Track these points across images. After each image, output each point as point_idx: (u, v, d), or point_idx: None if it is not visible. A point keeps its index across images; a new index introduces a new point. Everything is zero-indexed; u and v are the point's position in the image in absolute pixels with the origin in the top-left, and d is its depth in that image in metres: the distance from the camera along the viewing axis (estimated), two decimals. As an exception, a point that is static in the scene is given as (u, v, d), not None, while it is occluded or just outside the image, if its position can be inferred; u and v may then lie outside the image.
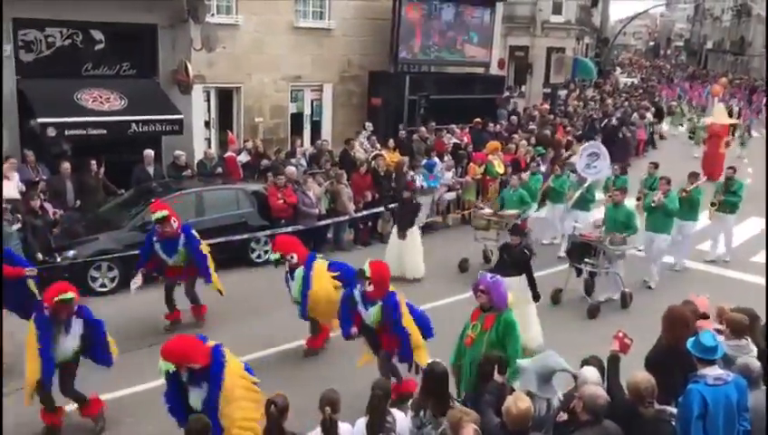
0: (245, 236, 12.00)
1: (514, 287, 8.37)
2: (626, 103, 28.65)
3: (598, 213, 12.37)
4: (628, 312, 10.56)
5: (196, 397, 5.83)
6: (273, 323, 9.58)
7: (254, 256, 12.28)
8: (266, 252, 12.38)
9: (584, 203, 12.81)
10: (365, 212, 13.54)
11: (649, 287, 11.58)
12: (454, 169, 15.24)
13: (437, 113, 18.47)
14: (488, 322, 6.40)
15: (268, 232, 12.22)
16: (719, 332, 6.05)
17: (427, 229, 13.85)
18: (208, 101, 16.85)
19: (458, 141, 17.19)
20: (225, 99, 17.23)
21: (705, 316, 6.47)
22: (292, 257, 8.53)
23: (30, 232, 10.08)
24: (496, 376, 5.65)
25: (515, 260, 9.02)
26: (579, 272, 10.71)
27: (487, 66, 22.25)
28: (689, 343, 5.28)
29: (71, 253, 10.43)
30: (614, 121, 22.81)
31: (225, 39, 15.47)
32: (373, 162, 14.32)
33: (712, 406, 4.95)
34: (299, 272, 8.49)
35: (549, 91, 29.19)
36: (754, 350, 5.84)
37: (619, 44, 73.56)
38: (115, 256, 10.65)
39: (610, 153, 20.53)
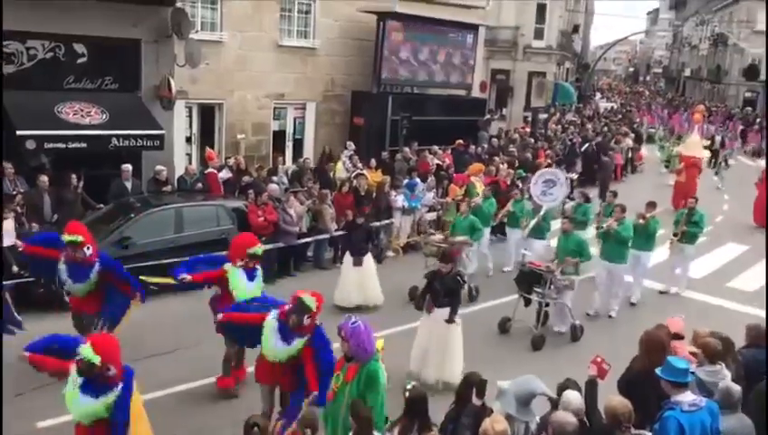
0: (225, 253, 11.90)
1: (441, 319, 8.44)
2: (605, 128, 29.02)
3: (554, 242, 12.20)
4: (578, 343, 10.33)
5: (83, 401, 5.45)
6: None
7: (233, 273, 12.18)
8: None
9: (540, 231, 12.60)
10: (345, 231, 13.51)
11: (610, 316, 11.41)
12: (435, 190, 15.32)
13: (420, 134, 18.59)
14: (350, 373, 5.78)
15: (263, 247, 12.14)
16: (693, 355, 6.12)
17: (410, 249, 13.94)
18: (190, 116, 16.81)
19: (440, 162, 17.29)
20: (208, 115, 17.20)
21: (678, 336, 6.53)
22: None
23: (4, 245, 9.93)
24: (474, 399, 5.65)
25: (449, 288, 8.54)
26: (527, 302, 10.45)
27: (469, 89, 22.45)
28: (659, 369, 5.31)
29: (46, 267, 10.27)
30: (594, 146, 23.10)
31: (209, 55, 15.49)
32: (355, 181, 14.35)
33: (689, 432, 4.99)
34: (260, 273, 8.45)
35: (530, 115, 29.51)
36: (728, 375, 5.90)
37: (600, 70, 74.75)
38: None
39: (591, 178, 21.06)
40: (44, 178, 11.70)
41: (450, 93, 21.77)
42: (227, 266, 8.28)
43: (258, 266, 8.48)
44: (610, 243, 11.18)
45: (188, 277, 8.12)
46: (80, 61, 13.37)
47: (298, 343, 6.47)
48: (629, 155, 26.34)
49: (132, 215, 11.40)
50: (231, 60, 16.92)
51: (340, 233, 12.89)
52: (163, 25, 13.97)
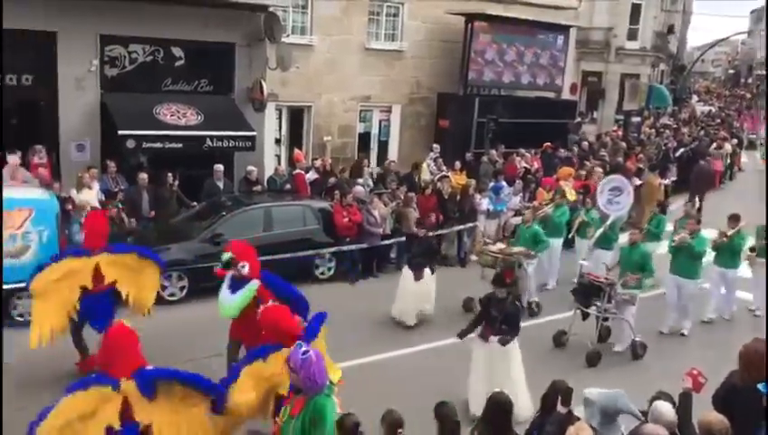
0: (310, 252, 12.14)
1: (501, 348, 7.73)
2: (701, 133, 27.75)
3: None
4: (639, 362, 9.68)
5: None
6: (331, 340, 9.59)
7: (318, 272, 12.41)
8: (330, 269, 12.53)
9: (606, 241, 11.93)
10: (430, 234, 13.47)
11: (682, 334, 10.69)
12: (521, 194, 15.07)
13: (506, 137, 18.34)
14: (297, 406, 5.22)
15: (333, 249, 12.35)
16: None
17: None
18: (280, 118, 17.23)
19: (528, 166, 17.00)
20: (296, 117, 17.58)
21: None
22: (243, 266, 7.58)
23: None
24: (559, 407, 5.51)
25: (508, 314, 7.82)
26: (585, 316, 9.84)
27: (559, 91, 21.99)
28: (762, 385, 5.02)
29: (143, 261, 10.75)
30: (689, 151, 22.12)
31: (298, 59, 15.81)
32: (438, 184, 14.31)
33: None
34: (251, 286, 7.55)
35: (622, 118, 28.60)
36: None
37: (697, 72, 71.57)
38: (186, 267, 10.93)
39: (686, 185, 20.12)
40: (144, 176, 12.25)
41: (539, 95, 21.38)
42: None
43: (253, 281, 7.61)
44: (681, 257, 10.50)
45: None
46: (177, 64, 13.96)
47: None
48: (729, 161, 25.08)
49: (224, 213, 11.77)
50: (320, 63, 17.23)
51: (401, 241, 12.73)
52: (256, 29, 14.40)
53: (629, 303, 9.68)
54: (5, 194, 10.10)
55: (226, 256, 7.70)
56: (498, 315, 7.78)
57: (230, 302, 7.55)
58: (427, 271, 10.69)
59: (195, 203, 12.81)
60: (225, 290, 7.64)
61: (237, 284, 7.55)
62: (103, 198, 11.57)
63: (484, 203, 14.04)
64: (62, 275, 7.91)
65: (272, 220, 12.00)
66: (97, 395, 5.45)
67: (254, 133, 13.76)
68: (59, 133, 12.93)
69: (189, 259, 10.99)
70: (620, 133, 24.70)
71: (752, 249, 11.61)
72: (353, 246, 12.42)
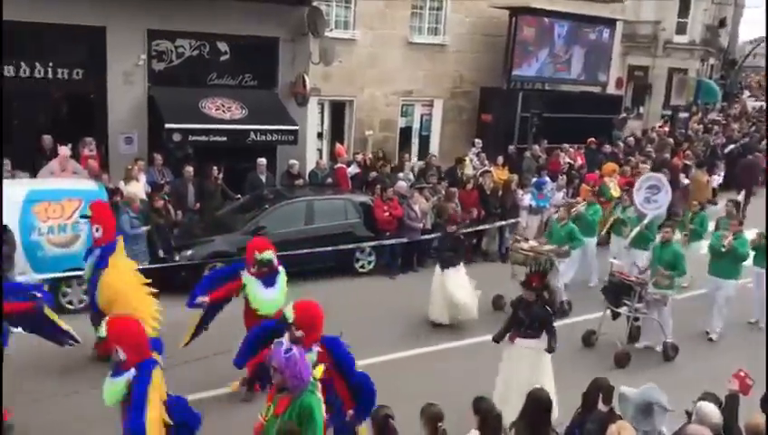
0: (351, 245, 12.21)
1: (533, 347, 7.60)
2: (752, 129, 26.96)
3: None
4: (671, 364, 9.46)
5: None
6: (368, 334, 9.62)
7: (358, 265, 12.48)
8: (370, 262, 12.59)
9: (643, 241, 11.44)
10: (470, 229, 13.44)
11: (710, 339, 10.38)
12: (565, 190, 14.89)
13: (550, 132, 18.11)
14: (281, 405, 5.09)
15: (373, 243, 12.39)
16: None
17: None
18: (322, 113, 17.33)
19: (571, 161, 16.77)
20: (338, 111, 17.66)
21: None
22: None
23: (154, 231, 10.71)
24: (600, 405, 5.45)
25: (537, 318, 7.63)
26: (615, 315, 9.67)
27: (604, 86, 21.63)
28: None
29: (188, 253, 10.99)
30: (739, 148, 21.52)
31: (341, 53, 15.87)
32: (480, 179, 14.23)
33: None
34: (281, 276, 7.81)
35: (669, 114, 27.99)
36: None
37: (749, 66, 69.59)
38: (229, 258, 11.08)
39: (734, 180, 19.58)
40: (190, 169, 12.46)
41: (583, 90, 21.07)
42: (244, 276, 7.76)
43: (280, 269, 7.85)
44: (721, 258, 10.22)
45: (206, 299, 7.69)
46: (222, 58, 14.15)
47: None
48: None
49: (267, 206, 11.91)
50: (362, 57, 17.27)
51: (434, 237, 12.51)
52: (300, 24, 14.50)
53: (661, 303, 9.47)
54: (56, 185, 10.45)
55: (268, 255, 7.69)
56: (525, 319, 7.65)
57: (270, 297, 7.63)
58: (458, 268, 10.44)
59: (238, 196, 12.98)
60: (259, 287, 7.65)
61: (269, 279, 7.66)
62: (150, 190, 11.81)
63: (526, 199, 13.91)
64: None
65: (313, 214, 12.10)
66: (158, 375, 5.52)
67: (296, 127, 13.88)
68: (108, 126, 13.24)
69: (232, 251, 11.15)
70: (667, 129, 24.16)
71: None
72: (393, 241, 12.44)
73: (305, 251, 11.41)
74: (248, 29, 13.95)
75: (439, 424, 4.91)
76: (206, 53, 14.01)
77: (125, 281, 8.02)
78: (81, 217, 8.87)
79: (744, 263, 10.38)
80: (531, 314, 7.60)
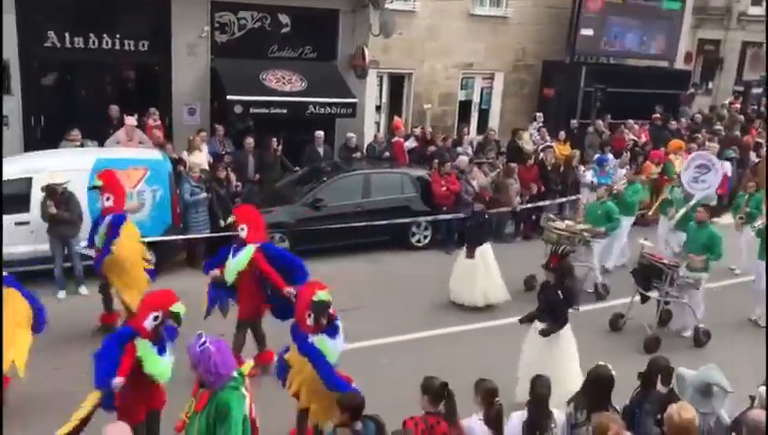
0: (407, 220, 12.20)
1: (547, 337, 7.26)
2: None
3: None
4: (699, 351, 8.94)
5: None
6: (421, 309, 9.73)
7: (413, 239, 12.46)
8: (426, 237, 12.56)
9: (688, 223, 10.64)
10: (529, 205, 13.25)
11: (758, 324, 9.83)
12: (628, 167, 14.48)
13: (614, 107, 17.61)
14: (201, 401, 4.84)
15: (429, 218, 12.35)
16: None
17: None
18: (381, 85, 17.26)
19: (636, 138, 16.29)
20: (397, 84, 17.56)
21: None
22: (243, 229, 7.35)
23: (215, 200, 10.93)
24: (659, 386, 5.35)
25: (549, 302, 7.31)
26: (644, 299, 9.26)
27: (672, 60, 20.86)
28: None
29: (248, 223, 11.16)
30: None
31: (401, 25, 15.72)
32: (541, 154, 13.96)
33: None
34: (246, 250, 7.30)
35: (741, 89, 26.84)
36: None
37: (829, 40, 65.79)
38: (288, 230, 11.28)
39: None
40: (250, 141, 12.62)
41: (650, 65, 20.35)
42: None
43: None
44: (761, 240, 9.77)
45: (217, 272, 7.49)
46: (283, 30, 14.22)
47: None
48: None
49: (325, 178, 12.00)
50: (422, 30, 17.06)
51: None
52: (360, -5, 14.41)
53: (693, 287, 9.07)
54: (122, 154, 10.75)
55: (231, 218, 7.68)
56: (542, 301, 7.43)
57: (228, 266, 7.37)
58: (483, 249, 10.02)
59: (297, 168, 13.09)
60: (230, 256, 7.46)
61: (238, 249, 7.37)
62: (212, 161, 12.02)
63: (587, 175, 13.58)
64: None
65: (370, 187, 12.12)
66: None
67: (355, 100, 13.87)
68: (172, 97, 13.50)
69: (291, 222, 11.30)
70: (739, 105, 23.19)
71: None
72: (450, 216, 12.37)
73: (362, 224, 11.46)
74: (309, 1, 13.94)
75: (496, 399, 4.91)
76: (268, 24, 14.09)
77: (133, 251, 8.36)
78: (90, 188, 8.75)
79: None
80: (546, 297, 7.36)
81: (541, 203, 13.37)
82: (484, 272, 9.94)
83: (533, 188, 13.26)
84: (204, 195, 10.69)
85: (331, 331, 5.98)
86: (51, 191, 9.13)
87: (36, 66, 12.71)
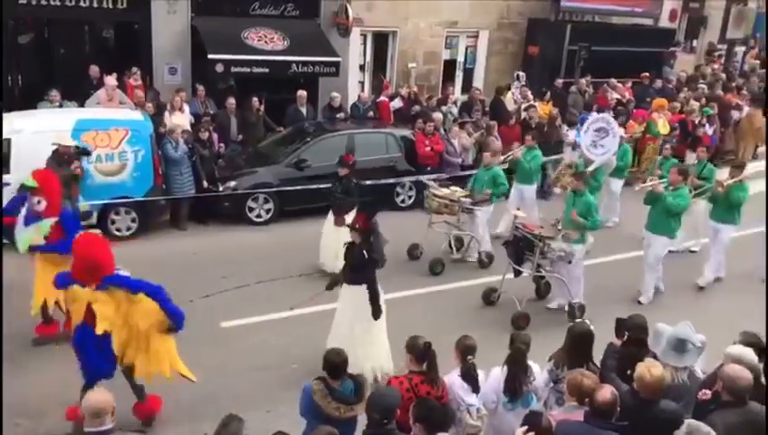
0: (392, 180, 12.21)
1: (356, 299, 6.90)
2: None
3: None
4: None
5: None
6: (402, 269, 9.66)
7: (398, 199, 12.50)
8: (410, 197, 12.59)
9: (590, 191, 9.96)
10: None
11: (701, 288, 9.81)
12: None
13: (598, 66, 17.55)
14: None
15: (413, 178, 12.38)
16: None
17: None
18: (364, 44, 17.04)
19: (620, 97, 16.31)
20: (381, 43, 17.36)
21: None
22: (40, 202, 6.98)
23: (198, 161, 10.87)
24: (614, 339, 5.48)
25: (355, 263, 6.96)
26: (516, 273, 8.66)
27: (657, 18, 20.76)
28: None
29: (232, 184, 11.16)
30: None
31: (385, -18, 15.49)
32: (524, 113, 13.96)
33: None
34: (44, 223, 7.00)
35: (724, 48, 26.81)
36: None
37: (814, -3, 65.51)
38: (272, 190, 11.25)
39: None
40: (232, 101, 12.50)
41: (635, 23, 20.27)
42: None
43: None
44: (721, 204, 9.65)
45: None
46: (265, -13, 13.96)
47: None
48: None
49: (308, 139, 11.95)
50: (407, -14, 16.81)
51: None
52: (343, -49, 14.15)
53: (564, 259, 8.42)
54: (103, 115, 10.63)
55: (30, 182, 7.08)
56: (348, 262, 7.06)
57: (20, 235, 7.03)
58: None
59: (280, 128, 13.01)
60: (20, 223, 7.08)
61: (32, 218, 7.03)
62: (193, 121, 11.92)
63: (571, 135, 13.62)
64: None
65: (354, 147, 12.07)
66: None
67: (338, 59, 13.74)
68: (152, 56, 13.29)
69: (275, 183, 11.29)
70: (720, 63, 23.24)
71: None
72: (433, 176, 12.39)
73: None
74: (291, -44, 13.70)
75: (469, 356, 5.03)
76: (249, -19, 13.84)
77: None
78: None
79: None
80: (352, 257, 7.01)
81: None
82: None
83: (516, 146, 13.26)
84: (186, 149, 10.63)
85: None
86: (70, 154, 8.98)
87: (12, 24, 12.45)
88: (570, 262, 8.47)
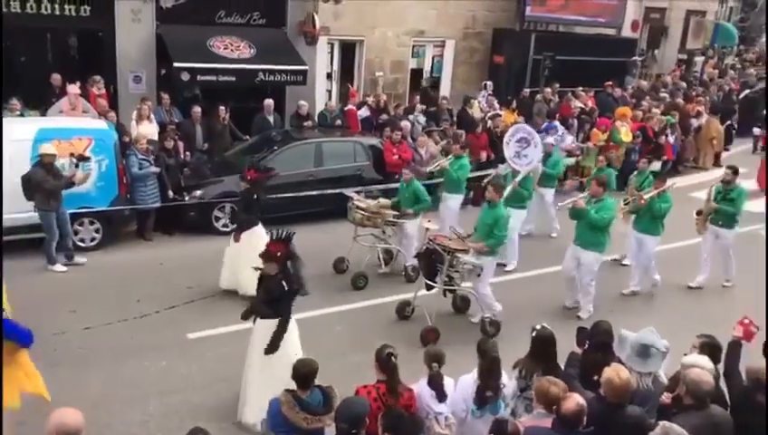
0: (359, 188, 12.18)
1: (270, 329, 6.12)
2: (770, 74, 26.39)
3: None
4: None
5: None
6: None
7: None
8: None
9: (519, 199, 10.25)
10: (478, 173, 13.38)
11: (633, 293, 9.82)
12: (576, 134, 14.77)
13: (563, 75, 17.84)
14: None
15: (381, 186, 12.38)
16: None
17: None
18: (332, 53, 17.07)
19: (583, 106, 16.58)
20: (348, 52, 17.39)
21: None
22: None
23: (164, 171, 10.74)
24: (576, 348, 5.56)
25: (271, 296, 6.17)
26: (429, 287, 8.27)
27: (619, 28, 21.19)
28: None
29: (198, 193, 11.05)
30: (755, 93, 21.16)
31: (351, -9, 15.53)
32: (490, 122, 14.09)
33: None
34: None
35: (684, 58, 27.46)
36: None
37: (769, 9, 67.35)
38: (238, 199, 11.12)
39: (748, 129, 19.28)
40: (197, 109, 12.39)
41: (598, 33, 20.65)
42: None
43: None
44: (646, 216, 9.53)
45: None
46: (231, -4, 13.89)
47: None
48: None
49: (275, 147, 11.88)
50: (373, -5, 16.88)
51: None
52: (310, -40, 14.17)
53: (474, 272, 8.13)
54: (66, 124, 10.44)
55: None
56: (261, 294, 6.30)
57: None
58: (250, 233, 8.71)
59: (246, 136, 12.93)
60: None
61: None
62: (158, 130, 11.78)
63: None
64: None
65: (322, 155, 12.06)
66: None
67: (305, 67, 13.72)
68: (116, 64, 13.13)
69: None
70: (680, 73, 23.78)
71: (698, 213, 10.27)
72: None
73: (313, 193, 11.45)
74: (257, -35, 13.67)
75: (433, 364, 5.04)
76: (215, -11, 13.76)
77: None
78: None
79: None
80: (268, 291, 6.19)
81: (491, 171, 13.47)
82: (248, 258, 7.64)
83: (483, 155, 13.40)
84: (153, 169, 10.44)
85: None
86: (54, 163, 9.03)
87: (-29, 31, 12.18)
88: (478, 275, 8.18)
